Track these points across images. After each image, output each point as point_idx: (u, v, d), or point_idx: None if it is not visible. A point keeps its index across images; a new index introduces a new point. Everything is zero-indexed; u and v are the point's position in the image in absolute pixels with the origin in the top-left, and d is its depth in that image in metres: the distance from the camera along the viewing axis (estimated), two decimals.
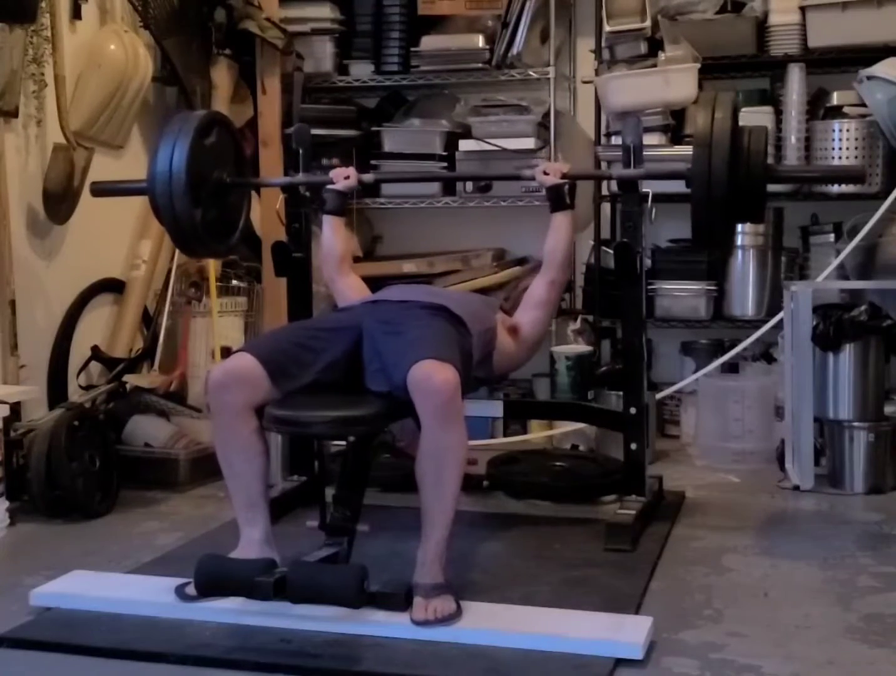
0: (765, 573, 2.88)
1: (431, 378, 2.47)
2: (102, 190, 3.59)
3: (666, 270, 4.41)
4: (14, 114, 3.69)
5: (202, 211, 3.14)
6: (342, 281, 3.34)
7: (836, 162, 4.18)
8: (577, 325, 4.44)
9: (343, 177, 3.34)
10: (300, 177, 3.45)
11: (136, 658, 2.37)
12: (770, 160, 4.23)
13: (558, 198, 3.21)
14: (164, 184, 3.07)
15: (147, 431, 3.89)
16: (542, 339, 3.35)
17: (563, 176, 3.21)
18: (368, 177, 3.29)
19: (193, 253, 3.60)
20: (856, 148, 4.17)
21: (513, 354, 3.16)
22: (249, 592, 2.43)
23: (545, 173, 3.23)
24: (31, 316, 3.79)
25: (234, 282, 4.35)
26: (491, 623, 2.45)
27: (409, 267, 4.55)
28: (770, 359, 4.12)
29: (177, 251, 4.27)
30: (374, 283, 3.45)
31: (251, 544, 2.63)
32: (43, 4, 3.74)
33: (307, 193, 3.47)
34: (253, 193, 4.60)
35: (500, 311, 3.23)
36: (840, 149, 4.18)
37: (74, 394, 3.95)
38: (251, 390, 2.62)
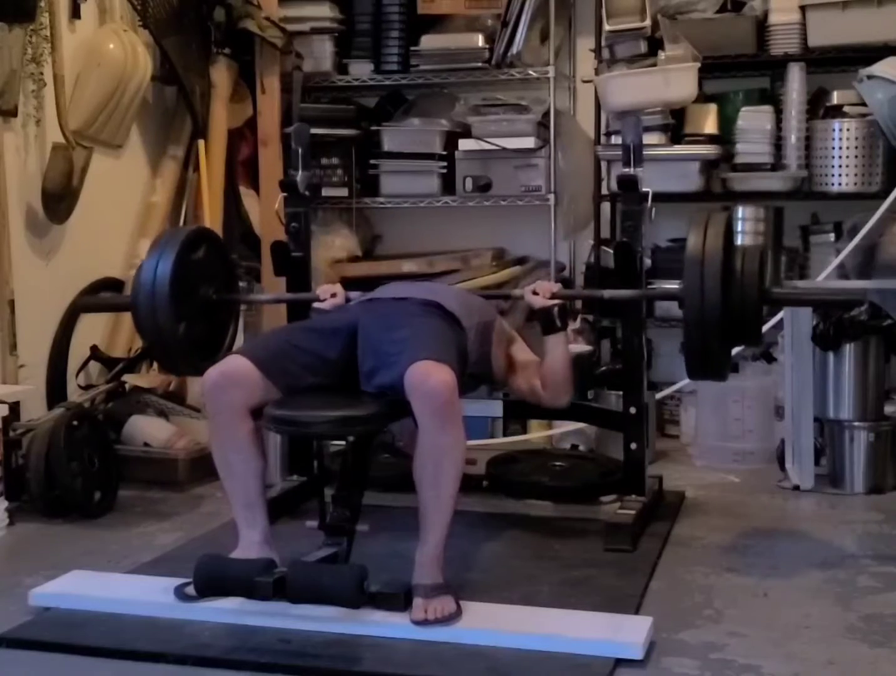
0: (765, 573, 2.88)
1: (428, 380, 2.46)
2: (88, 307, 3.74)
3: (666, 269, 4.39)
4: (13, 113, 3.69)
5: (186, 327, 3.03)
6: None
7: (836, 161, 4.18)
8: (577, 325, 4.43)
9: (330, 295, 3.18)
10: (286, 295, 3.48)
11: (135, 658, 2.36)
12: (771, 161, 4.27)
13: (548, 321, 3.04)
14: (147, 296, 2.97)
15: (146, 430, 3.88)
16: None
17: (553, 296, 3.05)
18: (355, 295, 3.22)
19: (176, 371, 3.50)
20: (856, 148, 4.16)
21: (500, 372, 3.12)
22: (249, 592, 2.43)
23: (534, 293, 3.07)
24: (31, 316, 3.78)
25: None
26: (491, 623, 2.45)
27: (408, 266, 4.55)
28: (770, 359, 4.11)
29: None
30: (374, 282, 3.43)
31: (251, 544, 2.63)
32: (42, 4, 3.74)
33: (307, 193, 3.47)
34: (252, 192, 4.64)
35: (499, 316, 3.20)
36: (840, 148, 4.18)
37: (73, 394, 3.94)
38: (247, 390, 2.62)
